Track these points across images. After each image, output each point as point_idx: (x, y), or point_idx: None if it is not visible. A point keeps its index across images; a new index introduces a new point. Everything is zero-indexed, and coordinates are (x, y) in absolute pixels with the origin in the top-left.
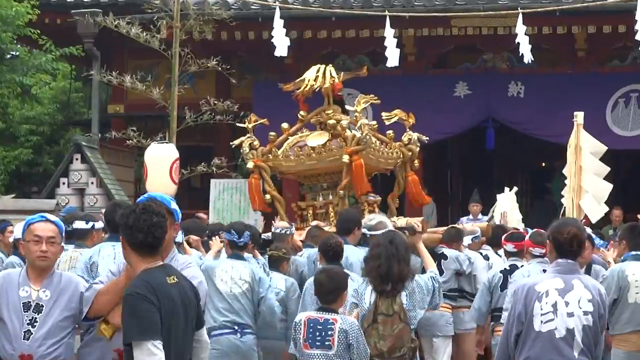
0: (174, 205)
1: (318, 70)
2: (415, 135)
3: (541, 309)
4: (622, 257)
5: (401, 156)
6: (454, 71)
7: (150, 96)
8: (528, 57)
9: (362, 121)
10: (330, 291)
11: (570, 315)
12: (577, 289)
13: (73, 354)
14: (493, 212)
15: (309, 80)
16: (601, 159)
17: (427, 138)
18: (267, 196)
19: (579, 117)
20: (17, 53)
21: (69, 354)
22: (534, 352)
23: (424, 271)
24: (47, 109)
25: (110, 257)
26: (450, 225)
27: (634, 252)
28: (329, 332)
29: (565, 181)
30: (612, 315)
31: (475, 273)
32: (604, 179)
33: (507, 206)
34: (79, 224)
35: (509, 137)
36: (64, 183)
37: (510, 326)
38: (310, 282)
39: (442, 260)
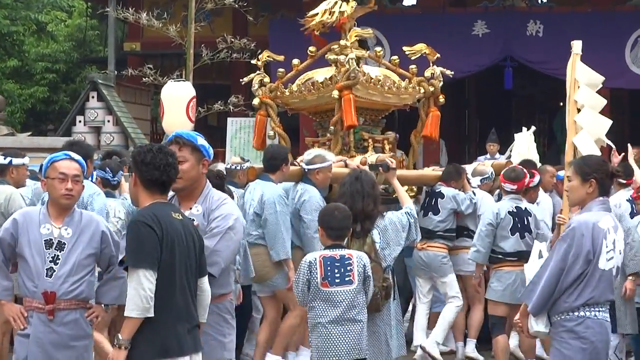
0: (201, 142)
1: (329, 4)
2: (438, 70)
3: (606, 247)
4: None
5: (422, 91)
6: (473, 9)
7: (166, 34)
8: None
9: (350, 55)
10: (345, 227)
11: (620, 253)
12: (619, 227)
13: (94, 292)
14: (511, 151)
15: (318, 14)
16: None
17: (452, 72)
18: (271, 132)
19: (576, 45)
20: None
21: (91, 291)
22: (598, 291)
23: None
24: (63, 47)
25: None
26: (451, 164)
27: None
28: (348, 268)
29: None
30: None
31: (481, 213)
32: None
33: (525, 146)
34: None
35: (527, 77)
36: (80, 121)
37: (571, 265)
38: None
39: (439, 199)
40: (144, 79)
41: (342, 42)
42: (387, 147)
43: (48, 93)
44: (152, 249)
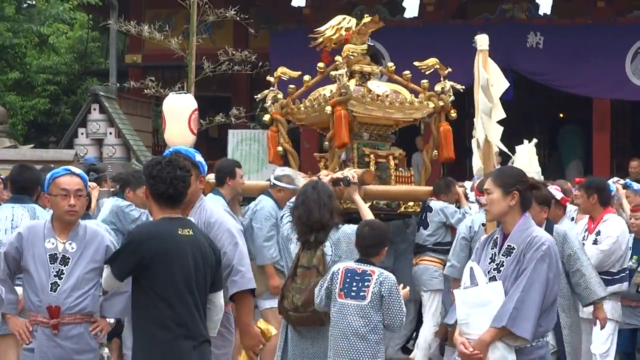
0: (199, 158)
1: (335, 20)
2: (448, 85)
3: None
4: None
5: (431, 106)
6: (474, 22)
7: (168, 46)
8: (545, 9)
9: (340, 71)
10: (373, 245)
11: None
12: None
13: (98, 306)
14: (512, 164)
15: (327, 32)
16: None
17: (463, 87)
18: (280, 148)
19: (480, 40)
20: (35, 2)
21: (95, 305)
22: None
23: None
24: (64, 59)
25: (8, 219)
26: (441, 177)
27: None
28: (366, 284)
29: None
30: None
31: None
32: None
33: (526, 158)
34: None
35: (528, 88)
36: (82, 133)
37: (552, 286)
38: None
39: (427, 213)
40: (145, 91)
41: (337, 57)
42: (392, 162)
43: (49, 105)
44: (124, 264)
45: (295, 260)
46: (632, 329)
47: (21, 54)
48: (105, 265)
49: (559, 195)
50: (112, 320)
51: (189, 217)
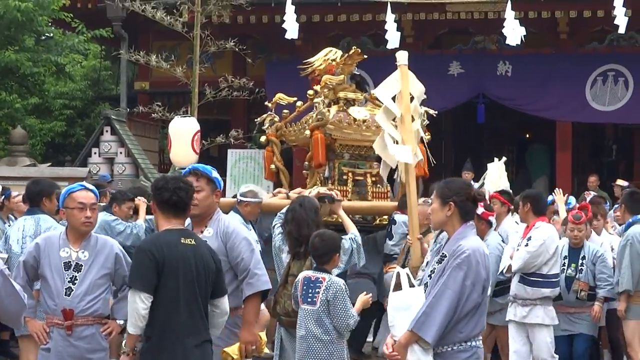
0: (215, 174)
1: (323, 52)
2: (423, 109)
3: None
4: (627, 222)
5: None
6: (448, 52)
7: (173, 74)
8: (516, 41)
9: (316, 100)
10: (324, 253)
11: None
12: None
13: (109, 309)
14: (484, 179)
15: (316, 63)
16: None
17: (436, 112)
18: (273, 166)
19: (400, 56)
20: (52, 35)
21: (106, 308)
22: (485, 319)
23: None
24: (79, 86)
25: (19, 230)
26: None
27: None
28: (317, 290)
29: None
30: None
31: None
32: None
33: (497, 174)
34: None
35: (498, 112)
36: (95, 153)
37: (469, 293)
38: None
39: (392, 226)
40: (152, 114)
41: (316, 87)
42: (369, 180)
43: (66, 127)
44: (148, 273)
45: (287, 269)
46: (568, 335)
47: (40, 81)
48: (131, 290)
49: (479, 210)
50: (121, 322)
51: (207, 228)
